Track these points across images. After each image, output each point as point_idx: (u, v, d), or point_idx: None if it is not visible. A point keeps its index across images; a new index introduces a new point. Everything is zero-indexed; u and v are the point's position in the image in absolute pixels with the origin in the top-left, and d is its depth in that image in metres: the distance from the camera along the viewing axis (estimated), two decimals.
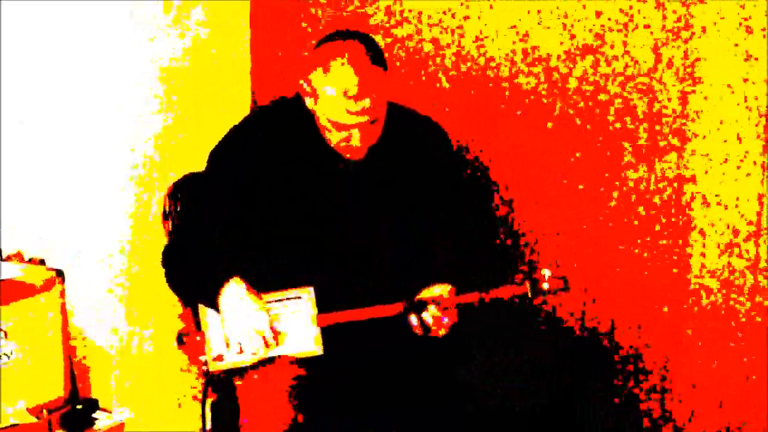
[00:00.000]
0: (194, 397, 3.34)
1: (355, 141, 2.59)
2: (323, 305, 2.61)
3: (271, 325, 2.58)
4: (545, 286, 2.58)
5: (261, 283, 2.62)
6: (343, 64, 2.53)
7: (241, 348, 2.58)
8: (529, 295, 2.59)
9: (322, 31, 3.26)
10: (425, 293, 2.60)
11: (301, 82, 2.61)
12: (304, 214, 2.67)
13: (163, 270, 2.70)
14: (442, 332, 2.59)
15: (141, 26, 3.22)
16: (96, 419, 2.78)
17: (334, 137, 2.60)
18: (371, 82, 2.53)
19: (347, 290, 2.64)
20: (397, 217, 2.70)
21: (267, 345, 2.58)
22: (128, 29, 3.18)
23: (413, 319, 2.58)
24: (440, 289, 2.61)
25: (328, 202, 2.68)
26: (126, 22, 3.17)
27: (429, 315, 2.57)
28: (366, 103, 2.53)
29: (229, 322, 2.58)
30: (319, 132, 2.65)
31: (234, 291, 2.57)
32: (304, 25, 3.41)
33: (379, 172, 2.68)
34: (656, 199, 2.98)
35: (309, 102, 2.61)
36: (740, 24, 2.80)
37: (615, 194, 3.03)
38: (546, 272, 2.59)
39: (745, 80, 2.82)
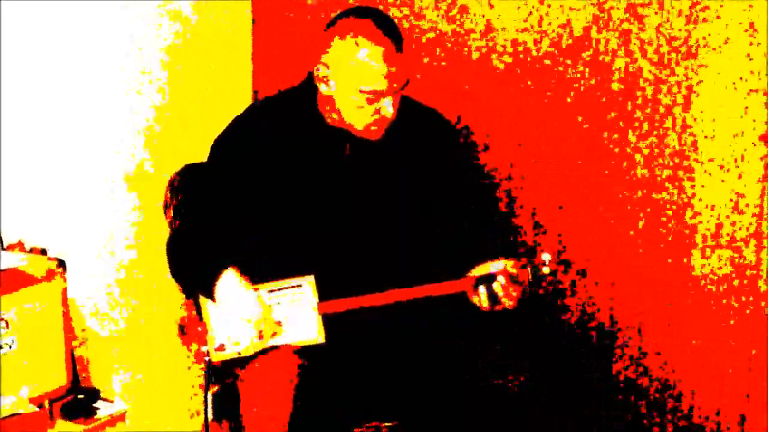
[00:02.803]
0: (198, 387, 3.35)
1: (387, 111, 2.57)
2: (332, 293, 2.61)
3: (267, 315, 2.58)
4: (546, 270, 2.59)
5: (266, 273, 2.62)
6: (369, 34, 2.53)
7: (236, 340, 2.58)
8: (530, 279, 2.60)
9: (324, 22, 3.26)
10: (485, 268, 2.60)
11: (317, 66, 2.59)
12: (312, 201, 2.67)
13: (166, 260, 2.70)
14: (511, 304, 2.59)
15: (142, 20, 3.22)
16: (97, 409, 2.79)
17: (362, 115, 2.58)
18: (397, 49, 2.54)
19: (356, 277, 2.63)
20: (407, 201, 2.70)
21: (261, 337, 2.57)
22: (130, 21, 3.19)
23: (481, 290, 2.59)
24: (502, 264, 2.60)
25: (337, 188, 2.67)
26: (126, 16, 3.17)
27: (498, 285, 2.57)
28: (398, 66, 2.53)
29: (224, 312, 2.58)
30: (324, 121, 2.64)
31: (229, 282, 2.56)
32: (307, 16, 3.41)
33: (388, 158, 2.68)
34: (657, 197, 2.98)
35: (326, 88, 2.60)
36: (741, 24, 2.80)
37: (616, 190, 3.03)
38: (546, 257, 2.59)
39: (747, 79, 2.82)
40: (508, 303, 2.59)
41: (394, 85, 2.55)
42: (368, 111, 2.58)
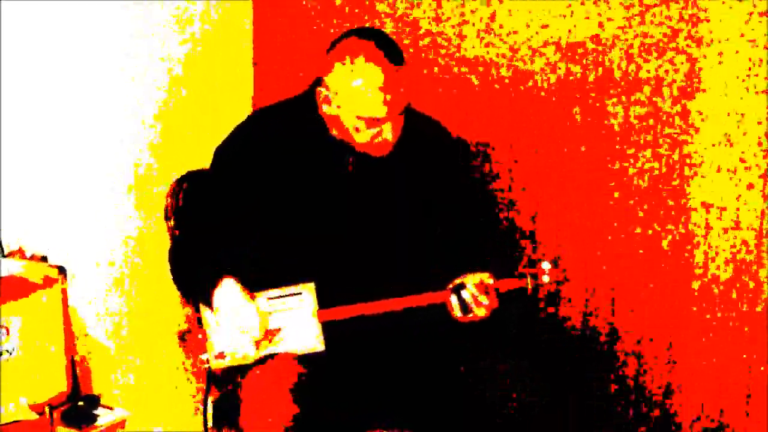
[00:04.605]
0: (195, 395, 3.35)
1: (387, 135, 2.58)
2: (332, 301, 2.61)
3: (264, 324, 2.58)
4: (545, 279, 2.60)
5: (267, 280, 2.62)
6: (369, 56, 2.52)
7: (233, 349, 2.58)
8: (530, 288, 2.60)
9: (324, 30, 3.27)
10: (462, 278, 2.61)
11: (319, 88, 2.59)
12: (314, 211, 2.67)
13: (168, 267, 2.70)
14: (482, 313, 2.60)
15: (141, 25, 3.22)
16: (98, 415, 2.80)
17: (363, 136, 2.58)
18: (397, 73, 2.53)
19: (356, 285, 2.63)
20: (408, 212, 2.70)
21: (257, 346, 2.57)
22: (129, 28, 3.18)
23: (453, 299, 2.59)
24: (480, 275, 2.61)
25: (339, 199, 2.67)
26: (125, 21, 3.17)
27: (468, 294, 2.58)
28: (397, 93, 2.53)
29: (221, 320, 2.58)
30: (327, 132, 2.64)
31: (226, 290, 2.56)
32: (307, 23, 3.41)
33: (390, 170, 2.68)
34: (658, 200, 2.98)
35: (328, 108, 2.59)
36: (741, 24, 2.81)
37: (616, 194, 3.03)
38: (546, 265, 2.60)
39: (747, 80, 2.83)
40: (478, 312, 2.59)
41: (394, 111, 2.55)
42: (369, 134, 2.58)
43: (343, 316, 2.60)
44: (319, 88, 2.59)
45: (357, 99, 2.53)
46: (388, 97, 2.52)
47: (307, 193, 2.67)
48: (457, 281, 2.61)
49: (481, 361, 2.65)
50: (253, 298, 2.58)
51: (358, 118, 2.55)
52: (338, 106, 2.57)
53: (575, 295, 3.12)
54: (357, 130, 2.57)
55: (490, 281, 2.60)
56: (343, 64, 2.54)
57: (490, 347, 2.69)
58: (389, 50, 2.54)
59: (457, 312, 2.61)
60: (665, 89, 2.93)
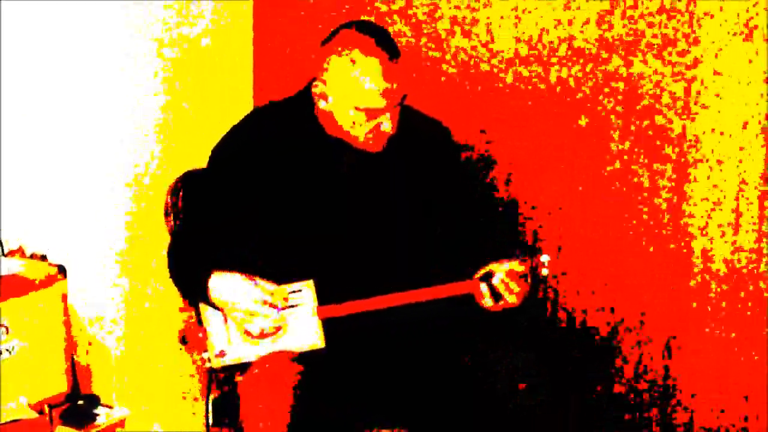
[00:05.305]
0: (198, 393, 3.35)
1: (387, 126, 2.57)
2: (331, 299, 2.60)
3: (272, 293, 2.57)
4: (545, 272, 2.59)
5: (265, 279, 2.62)
6: (366, 48, 2.52)
7: (249, 332, 2.57)
8: (529, 281, 2.60)
9: (324, 30, 3.26)
10: (492, 267, 2.60)
11: (315, 83, 2.59)
12: (312, 210, 2.67)
13: (167, 266, 2.70)
14: (513, 300, 2.59)
15: (141, 25, 3.22)
16: (97, 415, 2.79)
17: (360, 129, 2.58)
18: (394, 64, 2.53)
19: (355, 283, 2.63)
20: (406, 209, 2.70)
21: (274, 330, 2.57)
22: (129, 28, 3.19)
23: (483, 288, 2.59)
24: (509, 263, 2.60)
25: (336, 197, 2.67)
26: (125, 21, 3.17)
27: (498, 280, 2.57)
28: (394, 83, 2.53)
29: (228, 309, 2.57)
30: (324, 131, 2.65)
31: (220, 280, 2.56)
32: (307, 23, 3.41)
33: (387, 167, 2.68)
34: (658, 198, 2.98)
35: (324, 104, 2.59)
36: (741, 23, 2.81)
37: (616, 189, 3.04)
38: (545, 258, 2.59)
39: (747, 75, 2.83)
40: (510, 299, 2.59)
41: (392, 102, 2.56)
42: (367, 127, 2.58)
43: (344, 312, 2.60)
44: (314, 83, 2.59)
45: (355, 90, 2.53)
46: (387, 85, 2.52)
47: (305, 192, 2.67)
48: (483, 270, 2.61)
49: (491, 354, 2.64)
50: (251, 278, 2.57)
51: (357, 110, 2.55)
52: (335, 100, 2.57)
53: (574, 292, 3.12)
54: (354, 123, 2.57)
55: (521, 268, 2.59)
56: (340, 56, 2.53)
57: (500, 340, 2.68)
58: (385, 42, 2.55)
59: (488, 301, 2.60)
60: (665, 87, 2.93)
